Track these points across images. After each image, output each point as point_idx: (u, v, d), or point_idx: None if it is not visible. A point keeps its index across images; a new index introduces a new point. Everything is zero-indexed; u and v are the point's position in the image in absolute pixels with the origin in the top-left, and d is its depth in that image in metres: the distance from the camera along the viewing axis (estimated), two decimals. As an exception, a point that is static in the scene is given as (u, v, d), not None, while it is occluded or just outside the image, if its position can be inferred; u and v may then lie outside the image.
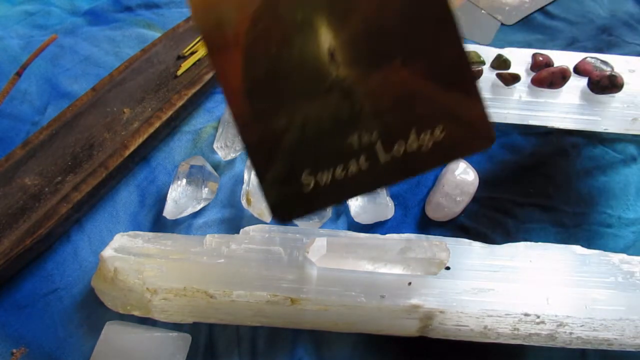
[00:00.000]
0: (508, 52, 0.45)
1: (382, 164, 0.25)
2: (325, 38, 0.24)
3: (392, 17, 0.24)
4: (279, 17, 0.24)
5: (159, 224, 0.40)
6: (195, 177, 0.39)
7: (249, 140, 0.25)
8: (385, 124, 0.24)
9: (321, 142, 0.25)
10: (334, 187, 0.25)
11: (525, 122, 0.44)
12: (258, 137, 0.25)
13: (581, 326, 0.32)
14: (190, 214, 0.40)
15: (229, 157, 0.43)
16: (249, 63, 0.24)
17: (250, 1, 0.24)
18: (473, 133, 0.25)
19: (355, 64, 0.24)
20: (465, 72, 0.24)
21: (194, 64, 0.48)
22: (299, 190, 0.25)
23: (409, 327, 0.32)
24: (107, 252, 0.34)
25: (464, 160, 0.41)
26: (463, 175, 0.40)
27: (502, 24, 0.55)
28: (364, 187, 0.25)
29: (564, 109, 0.43)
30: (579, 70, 0.45)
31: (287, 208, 0.25)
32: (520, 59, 0.45)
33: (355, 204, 0.39)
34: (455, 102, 0.24)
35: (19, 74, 0.44)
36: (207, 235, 0.35)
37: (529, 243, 0.35)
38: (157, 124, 0.43)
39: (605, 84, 0.42)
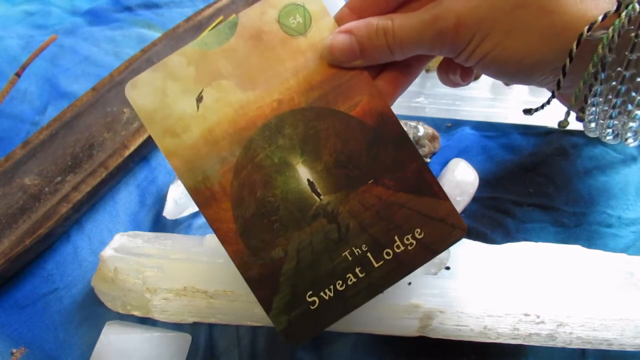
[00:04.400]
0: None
1: (377, 270, 0.28)
2: (303, 173, 0.28)
3: (357, 148, 0.28)
4: (259, 164, 0.28)
5: (159, 224, 0.40)
6: (195, 177, 0.39)
7: (249, 276, 0.27)
8: (371, 237, 0.28)
9: (318, 264, 0.27)
10: (338, 300, 0.27)
11: (525, 122, 0.44)
12: (258, 272, 0.27)
13: (581, 326, 0.32)
14: (190, 214, 0.40)
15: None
16: (238, 208, 0.27)
17: (230, 156, 0.27)
18: (448, 227, 0.28)
19: (334, 189, 0.28)
20: (427, 178, 0.28)
21: (194, 64, 0.48)
22: (306, 309, 0.27)
23: (409, 327, 0.32)
24: (107, 252, 0.34)
25: (464, 160, 0.41)
26: (463, 175, 0.40)
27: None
28: (365, 294, 0.28)
29: (564, 109, 0.43)
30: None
31: (298, 330, 0.27)
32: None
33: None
34: (426, 205, 0.28)
35: (18, 74, 0.44)
36: (207, 235, 0.35)
37: (529, 243, 0.35)
38: (157, 124, 0.43)
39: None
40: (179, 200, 0.39)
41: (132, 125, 0.43)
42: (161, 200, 0.41)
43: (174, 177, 0.40)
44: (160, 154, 0.44)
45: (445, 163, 0.42)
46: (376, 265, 0.28)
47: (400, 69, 0.29)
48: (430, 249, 0.28)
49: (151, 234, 0.36)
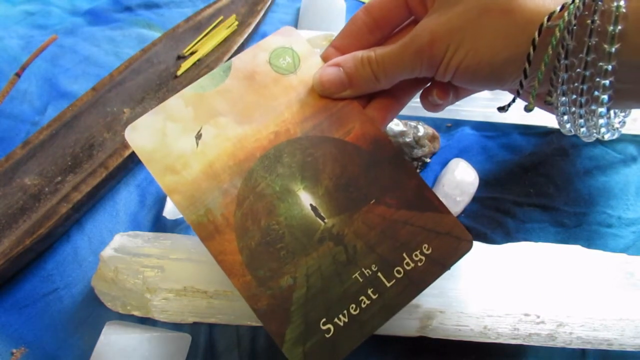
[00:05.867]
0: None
1: (389, 290, 0.27)
2: (305, 198, 0.28)
3: (356, 171, 0.29)
4: (261, 193, 0.28)
5: (159, 224, 0.40)
6: (195, 177, 0.39)
7: (259, 308, 0.26)
8: (380, 256, 0.27)
9: (329, 288, 0.27)
10: (354, 324, 0.27)
11: (525, 122, 0.44)
12: (267, 303, 0.26)
13: (581, 326, 0.32)
14: (190, 214, 0.40)
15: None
16: (243, 238, 0.27)
17: (231, 187, 0.28)
18: (454, 240, 0.28)
19: (337, 212, 0.28)
20: (427, 194, 0.29)
21: (194, 64, 0.48)
22: (320, 338, 0.26)
23: (409, 327, 0.32)
24: (107, 252, 0.34)
25: (464, 160, 0.41)
26: (463, 175, 0.40)
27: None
28: (382, 316, 0.27)
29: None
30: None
31: None
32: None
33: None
34: (430, 220, 0.28)
35: (18, 75, 0.44)
36: (207, 235, 0.35)
37: (529, 243, 0.35)
38: (157, 124, 0.43)
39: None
40: (179, 200, 0.39)
41: (132, 125, 0.43)
42: (161, 200, 0.41)
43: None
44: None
45: (445, 163, 0.42)
46: (388, 284, 0.27)
47: (387, 97, 0.31)
48: (440, 263, 0.28)
49: (151, 234, 0.36)
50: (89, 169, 0.40)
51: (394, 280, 0.27)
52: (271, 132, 0.29)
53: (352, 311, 0.27)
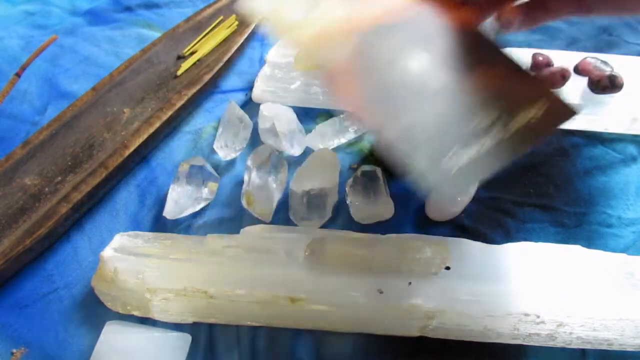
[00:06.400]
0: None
1: (507, 139, 0.28)
2: (418, 65, 0.31)
3: (462, 45, 0.32)
4: (372, 57, 0.31)
5: (159, 224, 0.40)
6: (195, 177, 0.39)
7: (390, 136, 0.28)
8: (498, 108, 0.29)
9: (450, 128, 0.29)
10: (475, 162, 0.28)
11: (525, 122, 0.44)
12: (396, 133, 0.28)
13: (581, 326, 0.32)
14: (190, 214, 0.40)
15: (229, 157, 0.43)
16: (362, 81, 0.30)
17: (347, 45, 0.31)
18: (561, 104, 0.30)
19: (451, 72, 0.30)
20: (528, 72, 0.31)
21: (194, 64, 0.48)
22: (444, 170, 0.27)
23: (409, 327, 0.32)
24: (107, 252, 0.34)
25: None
26: (463, 175, 0.40)
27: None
28: (499, 159, 0.28)
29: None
30: (579, 70, 0.45)
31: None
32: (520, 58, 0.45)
33: (355, 203, 0.39)
34: (537, 86, 0.31)
35: (18, 75, 0.44)
36: (207, 235, 0.35)
37: (529, 243, 0.35)
38: (157, 124, 0.43)
39: (605, 84, 0.42)
40: (179, 201, 0.39)
41: (132, 125, 0.43)
42: (161, 200, 0.41)
43: (174, 178, 0.40)
44: (160, 154, 0.44)
45: (445, 163, 0.42)
46: (505, 135, 0.28)
47: (477, 4, 0.34)
48: (551, 121, 0.29)
49: (151, 234, 0.36)
50: (89, 169, 0.40)
51: (511, 133, 0.28)
52: (383, 12, 0.32)
53: (473, 150, 0.28)
